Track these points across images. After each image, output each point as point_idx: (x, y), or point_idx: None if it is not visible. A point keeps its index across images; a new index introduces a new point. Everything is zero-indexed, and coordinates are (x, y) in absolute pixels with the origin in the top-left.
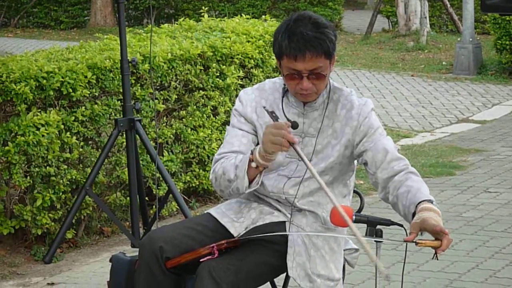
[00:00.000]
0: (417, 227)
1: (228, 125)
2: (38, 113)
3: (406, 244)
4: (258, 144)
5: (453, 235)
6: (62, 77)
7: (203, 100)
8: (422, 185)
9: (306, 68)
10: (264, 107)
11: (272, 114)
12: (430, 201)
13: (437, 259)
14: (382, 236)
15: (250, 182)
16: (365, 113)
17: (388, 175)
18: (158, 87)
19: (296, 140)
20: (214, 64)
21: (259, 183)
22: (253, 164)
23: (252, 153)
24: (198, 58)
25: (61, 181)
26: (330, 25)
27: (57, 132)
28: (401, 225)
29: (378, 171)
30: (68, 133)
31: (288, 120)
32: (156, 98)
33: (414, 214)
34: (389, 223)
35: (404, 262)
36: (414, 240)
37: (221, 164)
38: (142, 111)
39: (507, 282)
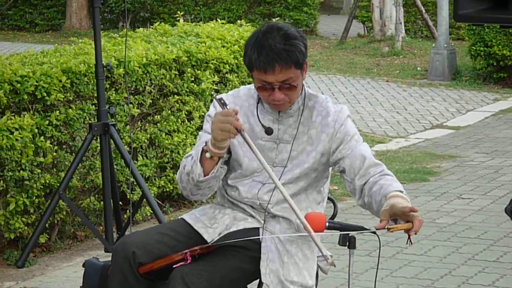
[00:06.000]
0: (387, 213)
1: (201, 129)
2: (12, 117)
3: (379, 250)
4: (230, 151)
5: (426, 241)
6: (37, 81)
7: (178, 105)
8: (395, 183)
9: (277, 80)
10: (212, 95)
11: (220, 102)
12: (400, 192)
13: (411, 243)
14: (355, 242)
15: (208, 174)
16: (341, 120)
17: (366, 181)
18: (132, 92)
19: (243, 127)
20: (189, 69)
21: (215, 172)
22: (207, 155)
23: (206, 143)
24: (173, 63)
25: (35, 185)
26: (299, 35)
27: (31, 136)
28: (374, 232)
29: (356, 178)
30: (42, 137)
31: (263, 126)
32: (131, 103)
33: None
34: (361, 230)
35: (377, 268)
36: (386, 227)
37: (184, 163)
38: (117, 116)
39: None
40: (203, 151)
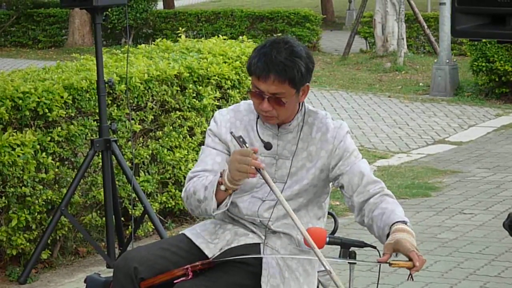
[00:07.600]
0: (391, 248)
1: (203, 145)
2: (14, 134)
3: (380, 265)
4: None
5: (428, 256)
6: (38, 98)
7: (180, 121)
8: (397, 207)
9: (269, 91)
10: (231, 132)
11: (239, 139)
12: (404, 222)
13: (413, 280)
14: (355, 257)
15: (220, 203)
16: (340, 136)
17: (364, 199)
18: (134, 108)
19: (262, 165)
20: (190, 85)
21: (228, 205)
22: (222, 187)
23: (221, 175)
24: (175, 78)
25: (37, 201)
26: (305, 56)
27: (33, 153)
28: (375, 247)
29: (354, 194)
30: (44, 153)
31: (262, 141)
32: (133, 119)
33: (388, 236)
34: (362, 245)
35: (378, 284)
36: (388, 261)
37: (193, 183)
38: (118, 132)
39: None
40: (218, 183)
